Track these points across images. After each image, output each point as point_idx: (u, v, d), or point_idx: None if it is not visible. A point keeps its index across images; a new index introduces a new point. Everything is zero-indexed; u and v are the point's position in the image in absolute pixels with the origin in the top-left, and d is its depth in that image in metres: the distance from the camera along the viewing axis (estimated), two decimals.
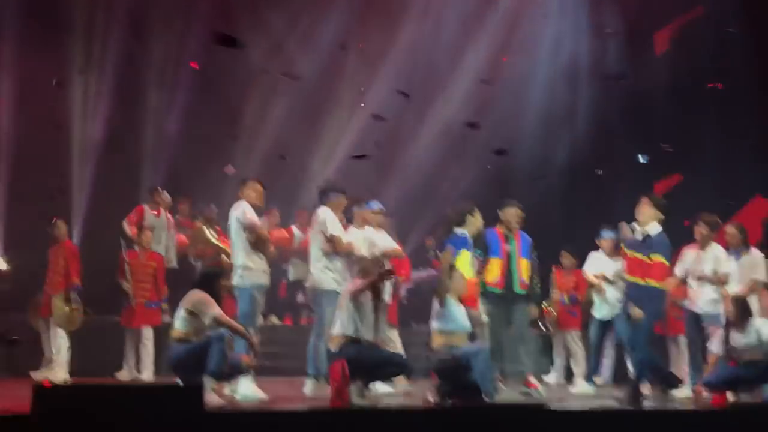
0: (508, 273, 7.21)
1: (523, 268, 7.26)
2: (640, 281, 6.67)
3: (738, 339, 6.93)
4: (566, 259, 8.74)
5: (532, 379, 7.13)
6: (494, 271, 7.19)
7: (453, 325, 6.39)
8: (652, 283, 6.65)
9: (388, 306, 6.72)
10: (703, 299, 7.49)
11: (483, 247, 7.26)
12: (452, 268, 6.67)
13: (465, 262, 6.90)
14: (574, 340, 8.50)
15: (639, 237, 6.71)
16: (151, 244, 8.68)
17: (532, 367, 7.35)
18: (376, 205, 7.35)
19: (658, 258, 6.68)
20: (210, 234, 8.11)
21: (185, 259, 9.00)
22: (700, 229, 7.49)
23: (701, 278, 7.44)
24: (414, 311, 9.28)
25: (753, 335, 6.88)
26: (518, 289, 7.25)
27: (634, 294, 6.70)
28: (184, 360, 6.00)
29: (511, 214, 7.26)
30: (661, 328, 7.85)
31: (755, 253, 7.60)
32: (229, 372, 6.10)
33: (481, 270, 7.17)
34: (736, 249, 7.56)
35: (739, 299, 7.05)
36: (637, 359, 6.92)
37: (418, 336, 8.52)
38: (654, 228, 6.72)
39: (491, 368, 6.30)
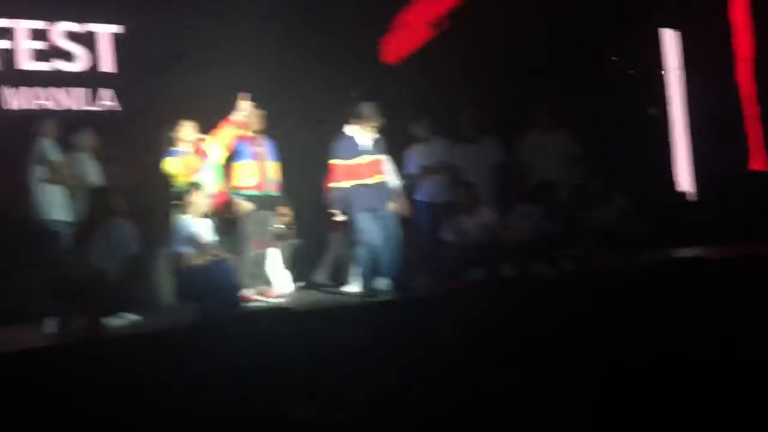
0: (263, 174, 7.49)
1: (274, 170, 7.59)
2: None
3: (466, 224, 7.73)
4: None
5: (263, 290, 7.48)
6: (250, 173, 7.42)
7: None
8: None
9: None
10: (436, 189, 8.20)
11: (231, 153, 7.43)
12: (192, 185, 6.86)
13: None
14: (340, 242, 8.78)
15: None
16: None
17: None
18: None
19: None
20: None
21: None
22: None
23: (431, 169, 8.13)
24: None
25: (480, 220, 7.71)
26: (273, 191, 7.58)
27: None
28: None
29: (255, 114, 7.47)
30: None
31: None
32: None
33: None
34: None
35: (470, 186, 7.83)
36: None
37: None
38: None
39: (235, 280, 6.59)
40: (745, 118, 10.72)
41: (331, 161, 7.37)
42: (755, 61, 10.56)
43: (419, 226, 8.34)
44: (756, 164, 10.59)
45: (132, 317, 6.76)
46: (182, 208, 6.80)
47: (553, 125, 8.50)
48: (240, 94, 7.38)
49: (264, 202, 7.48)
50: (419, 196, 8.30)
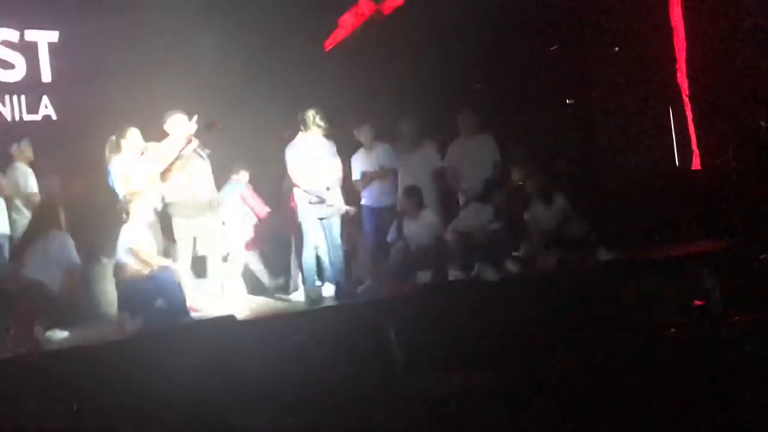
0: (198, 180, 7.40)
1: (208, 175, 7.52)
2: None
3: (411, 227, 7.80)
4: None
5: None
6: (186, 179, 7.33)
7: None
8: None
9: None
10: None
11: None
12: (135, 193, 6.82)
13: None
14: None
15: None
16: None
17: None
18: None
19: None
20: None
21: None
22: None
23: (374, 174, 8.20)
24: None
25: (425, 223, 7.78)
26: (208, 196, 7.52)
27: None
28: None
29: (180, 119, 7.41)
30: None
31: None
32: None
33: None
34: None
35: (414, 190, 7.91)
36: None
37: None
38: None
39: (180, 289, 6.56)
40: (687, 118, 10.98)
41: (287, 167, 7.40)
42: (687, 63, 10.81)
43: (365, 231, 8.38)
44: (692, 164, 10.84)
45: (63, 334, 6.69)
46: (125, 216, 6.74)
47: (479, 130, 8.55)
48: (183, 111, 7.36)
49: (200, 208, 7.43)
50: (364, 201, 8.34)
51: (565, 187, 8.33)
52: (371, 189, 8.28)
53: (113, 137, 7.25)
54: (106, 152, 7.23)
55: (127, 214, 6.74)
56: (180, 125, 7.27)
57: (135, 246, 6.56)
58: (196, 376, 5.33)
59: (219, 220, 7.78)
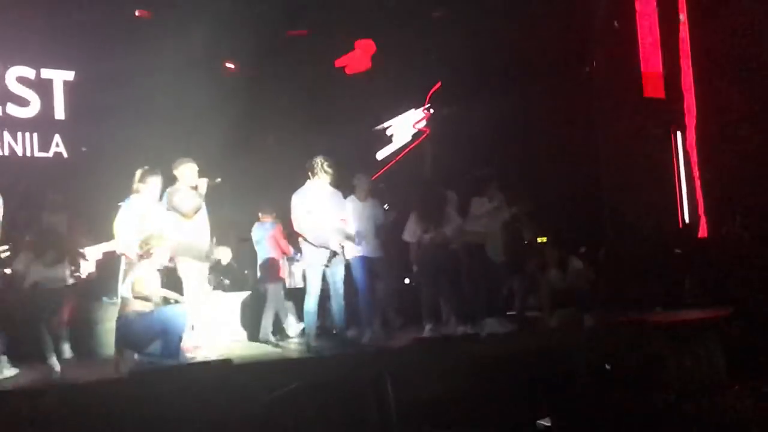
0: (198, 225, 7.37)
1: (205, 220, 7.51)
2: None
3: None
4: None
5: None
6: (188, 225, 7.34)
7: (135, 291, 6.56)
8: None
9: None
10: None
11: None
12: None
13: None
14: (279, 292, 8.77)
15: None
16: None
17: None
18: None
19: None
20: None
21: None
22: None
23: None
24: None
25: None
26: (206, 242, 7.49)
27: None
28: None
29: (190, 168, 7.42)
30: None
31: None
32: None
33: None
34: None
35: None
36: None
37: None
38: None
39: (179, 330, 6.51)
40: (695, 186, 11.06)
41: (292, 214, 7.38)
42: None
43: (358, 281, 8.24)
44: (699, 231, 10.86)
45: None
46: (137, 258, 6.73)
47: (493, 189, 8.53)
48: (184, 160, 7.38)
49: (199, 253, 7.40)
50: (359, 251, 8.22)
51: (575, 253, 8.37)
52: (367, 240, 8.21)
53: (140, 172, 7.17)
54: (135, 182, 7.14)
55: (140, 256, 6.72)
56: (190, 174, 7.28)
57: (139, 282, 6.53)
58: (188, 420, 5.26)
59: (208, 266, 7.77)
